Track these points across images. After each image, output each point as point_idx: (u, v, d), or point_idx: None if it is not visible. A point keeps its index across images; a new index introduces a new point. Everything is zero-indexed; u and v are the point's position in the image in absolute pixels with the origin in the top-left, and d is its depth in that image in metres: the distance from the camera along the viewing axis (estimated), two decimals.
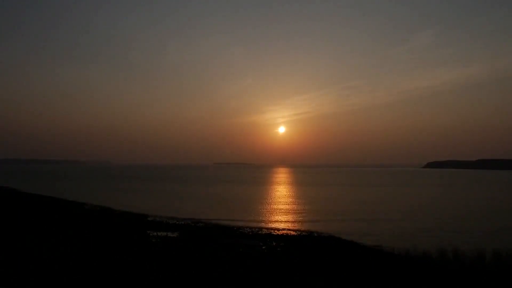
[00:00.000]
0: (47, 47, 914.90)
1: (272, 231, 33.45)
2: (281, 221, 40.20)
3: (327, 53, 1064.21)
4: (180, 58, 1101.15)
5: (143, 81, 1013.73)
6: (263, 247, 25.13)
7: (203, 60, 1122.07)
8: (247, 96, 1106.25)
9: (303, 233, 32.42)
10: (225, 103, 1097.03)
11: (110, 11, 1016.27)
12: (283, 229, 34.72)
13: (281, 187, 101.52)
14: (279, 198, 67.83)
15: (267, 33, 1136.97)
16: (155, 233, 30.12)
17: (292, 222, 40.03)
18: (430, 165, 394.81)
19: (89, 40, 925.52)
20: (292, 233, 32.75)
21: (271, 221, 40.06)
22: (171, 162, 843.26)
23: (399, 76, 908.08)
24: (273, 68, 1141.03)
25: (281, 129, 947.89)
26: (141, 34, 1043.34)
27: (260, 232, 32.71)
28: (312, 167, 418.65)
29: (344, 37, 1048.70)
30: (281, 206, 54.21)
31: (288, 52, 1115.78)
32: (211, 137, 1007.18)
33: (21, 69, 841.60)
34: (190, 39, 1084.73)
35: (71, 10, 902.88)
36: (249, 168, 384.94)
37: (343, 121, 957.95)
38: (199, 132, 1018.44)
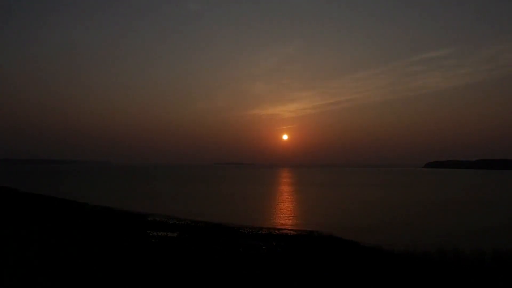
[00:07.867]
0: (43, 42, 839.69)
1: (272, 231, 33.41)
2: (281, 221, 40.15)
3: (396, 11, 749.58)
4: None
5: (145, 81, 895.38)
6: (263, 247, 25.12)
7: (232, 11, 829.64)
8: (278, 76, 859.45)
9: (303, 233, 32.38)
10: (249, 89, 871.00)
11: None
12: (283, 229, 34.68)
13: (281, 187, 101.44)
14: (279, 198, 67.78)
15: None
16: (155, 233, 30.14)
17: (293, 222, 39.97)
18: (430, 165, 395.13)
19: (86, 39, 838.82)
20: (292, 233, 32.73)
21: (271, 221, 40.00)
22: (170, 162, 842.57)
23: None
24: (327, 32, 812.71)
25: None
26: None
27: (260, 232, 32.68)
28: (313, 167, 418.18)
29: None
30: (282, 206, 54.16)
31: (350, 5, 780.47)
32: (212, 136, 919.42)
33: (21, 68, 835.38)
34: None
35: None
36: (250, 168, 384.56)
37: (395, 112, 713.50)
38: (203, 130, 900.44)
